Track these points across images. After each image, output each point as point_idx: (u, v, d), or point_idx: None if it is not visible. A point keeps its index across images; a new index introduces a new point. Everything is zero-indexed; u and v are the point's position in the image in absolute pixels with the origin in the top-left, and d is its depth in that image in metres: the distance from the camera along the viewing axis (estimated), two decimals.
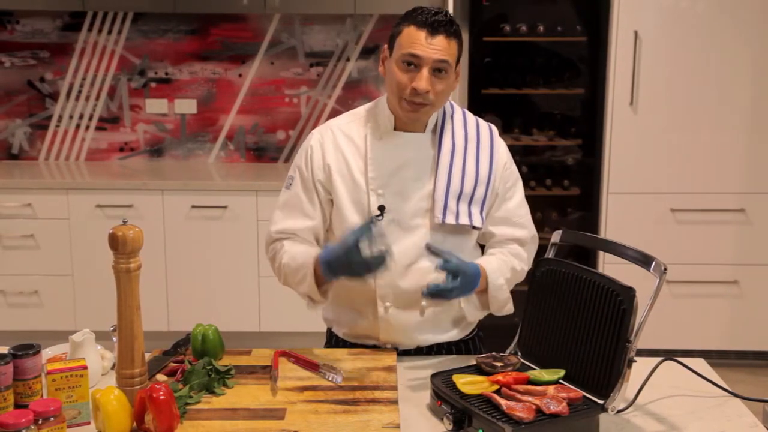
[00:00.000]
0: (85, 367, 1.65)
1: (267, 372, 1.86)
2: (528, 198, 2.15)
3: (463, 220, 1.96)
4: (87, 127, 4.60)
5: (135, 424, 1.58)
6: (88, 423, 1.64)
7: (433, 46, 1.85)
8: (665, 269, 1.65)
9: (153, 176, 4.27)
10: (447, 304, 1.99)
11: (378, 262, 1.76)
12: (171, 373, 1.84)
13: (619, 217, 4.03)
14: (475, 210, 1.98)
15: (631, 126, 3.96)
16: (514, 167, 2.08)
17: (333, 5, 4.20)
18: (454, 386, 1.69)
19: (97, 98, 4.57)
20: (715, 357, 3.93)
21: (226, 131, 4.62)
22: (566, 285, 1.80)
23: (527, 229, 2.08)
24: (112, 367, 1.87)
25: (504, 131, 4.24)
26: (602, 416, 1.63)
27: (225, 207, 4.09)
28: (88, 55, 4.53)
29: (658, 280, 1.65)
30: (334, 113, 4.53)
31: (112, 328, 1.75)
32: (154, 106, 4.58)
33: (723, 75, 3.92)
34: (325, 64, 4.55)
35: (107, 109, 4.59)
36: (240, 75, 4.56)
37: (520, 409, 1.56)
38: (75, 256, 4.13)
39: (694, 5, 3.87)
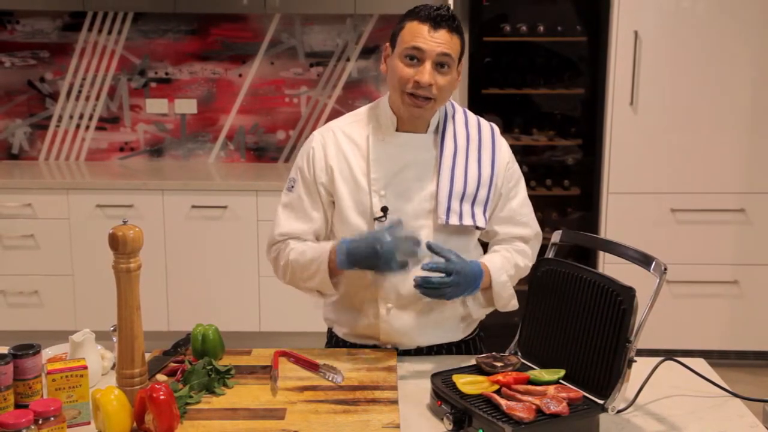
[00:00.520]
0: (86, 367, 1.65)
1: (267, 372, 1.86)
2: (528, 198, 2.15)
3: (467, 220, 1.96)
4: (87, 127, 4.61)
5: (135, 424, 1.58)
6: (89, 423, 1.64)
7: (436, 40, 1.86)
8: (665, 269, 1.65)
9: (153, 176, 4.27)
10: (449, 302, 1.99)
11: (408, 256, 1.81)
12: (171, 373, 1.84)
13: (619, 217, 4.03)
14: (478, 210, 1.98)
15: (631, 126, 3.96)
16: (516, 166, 2.09)
17: (333, 5, 4.20)
18: (454, 386, 1.69)
19: (97, 98, 4.57)
20: (715, 357, 3.93)
21: (226, 131, 4.62)
22: (566, 285, 1.80)
23: (531, 227, 2.09)
24: (113, 367, 1.87)
25: (504, 131, 4.23)
26: (602, 416, 1.63)
27: (225, 207, 4.09)
28: (89, 55, 4.53)
29: (658, 280, 1.65)
30: (334, 113, 4.53)
31: (112, 328, 1.75)
32: (155, 106, 4.58)
33: (723, 75, 3.92)
34: (326, 64, 4.55)
35: (107, 109, 4.59)
36: (240, 75, 4.56)
37: (520, 409, 1.56)
38: (75, 256, 4.13)
39: (694, 5, 3.87)
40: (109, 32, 4.50)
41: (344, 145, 2.00)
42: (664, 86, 3.93)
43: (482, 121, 2.08)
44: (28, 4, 4.25)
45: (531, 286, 1.92)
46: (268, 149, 4.65)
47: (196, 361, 1.84)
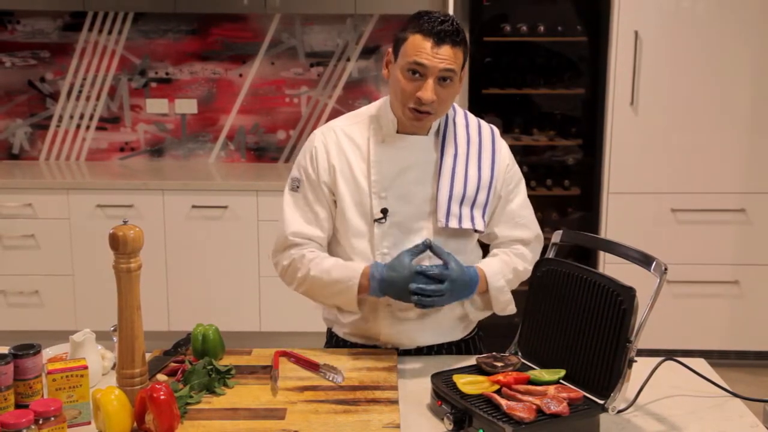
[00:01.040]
0: (86, 367, 1.65)
1: (267, 372, 1.87)
2: (528, 198, 2.15)
3: (466, 224, 1.96)
4: (87, 127, 4.61)
5: (135, 424, 1.58)
6: (89, 423, 1.64)
7: (439, 56, 1.84)
8: (666, 269, 1.65)
9: (153, 176, 4.27)
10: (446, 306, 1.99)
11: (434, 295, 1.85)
12: (171, 373, 1.84)
13: (619, 217, 4.03)
14: (478, 213, 1.99)
15: (632, 126, 3.96)
16: (516, 168, 2.09)
17: (333, 5, 4.20)
18: (454, 386, 1.69)
19: (98, 98, 4.58)
20: (715, 357, 3.93)
21: (227, 131, 4.62)
22: (566, 285, 1.80)
23: (530, 229, 2.09)
24: (113, 367, 1.87)
25: (504, 131, 4.24)
26: (603, 416, 1.63)
27: (225, 207, 4.09)
28: (89, 55, 4.53)
29: (658, 280, 1.65)
30: (335, 113, 4.53)
31: (112, 328, 1.75)
32: (155, 106, 4.58)
33: (723, 75, 3.92)
34: (326, 64, 4.55)
35: (108, 109, 4.59)
36: (240, 75, 4.56)
37: (520, 409, 1.56)
38: (75, 256, 4.13)
39: (694, 5, 3.87)
40: (110, 32, 4.50)
41: (345, 146, 2.00)
42: (665, 86, 3.93)
43: (482, 123, 2.08)
44: (29, 4, 4.25)
45: (531, 286, 1.92)
46: (269, 149, 4.65)
47: (197, 361, 1.84)
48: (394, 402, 1.72)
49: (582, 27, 4.18)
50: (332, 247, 2.06)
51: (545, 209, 4.31)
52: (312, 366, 1.88)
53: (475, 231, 2.00)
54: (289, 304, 3.82)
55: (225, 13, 4.40)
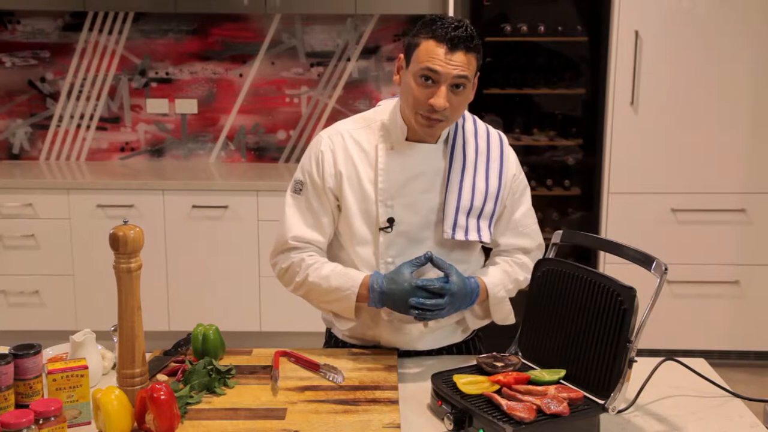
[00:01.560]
0: (86, 367, 1.65)
1: (268, 372, 1.87)
2: (532, 209, 2.13)
3: (473, 236, 1.95)
4: (88, 127, 4.61)
5: (136, 424, 1.58)
6: (89, 423, 1.64)
7: (453, 63, 1.81)
8: (666, 269, 1.65)
9: (154, 176, 4.27)
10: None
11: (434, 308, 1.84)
12: (172, 373, 1.84)
13: (619, 217, 4.03)
14: (484, 224, 1.97)
15: (632, 126, 3.96)
16: (522, 176, 2.07)
17: (334, 5, 4.20)
18: (454, 386, 1.69)
19: (98, 98, 4.58)
20: (716, 357, 3.93)
21: (227, 131, 4.62)
22: (567, 285, 1.80)
23: (533, 239, 2.07)
24: (113, 367, 1.87)
25: (505, 131, 4.19)
26: (603, 416, 1.63)
27: (226, 207, 4.09)
28: (89, 55, 4.53)
29: (658, 280, 1.65)
30: (335, 113, 4.54)
31: (112, 328, 1.75)
32: (155, 106, 4.58)
33: (723, 75, 3.92)
34: (326, 64, 4.55)
35: (108, 109, 4.59)
36: (241, 75, 4.56)
37: (520, 409, 1.56)
38: (76, 256, 4.13)
39: (694, 5, 3.87)
40: (110, 32, 4.50)
41: (353, 151, 1.97)
42: (665, 86, 3.93)
43: (491, 130, 2.05)
44: (29, 4, 4.25)
45: (531, 286, 1.92)
46: (269, 149, 4.65)
47: (197, 361, 1.84)
48: (395, 402, 1.72)
49: (582, 27, 4.18)
50: (335, 252, 2.04)
51: (545, 209, 4.31)
52: (312, 366, 1.88)
53: (481, 242, 1.99)
54: (289, 304, 3.81)
55: (225, 13, 4.40)
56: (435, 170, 1.97)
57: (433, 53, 1.81)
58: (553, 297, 1.83)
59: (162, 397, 1.53)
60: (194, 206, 4.09)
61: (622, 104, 3.95)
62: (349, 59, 4.54)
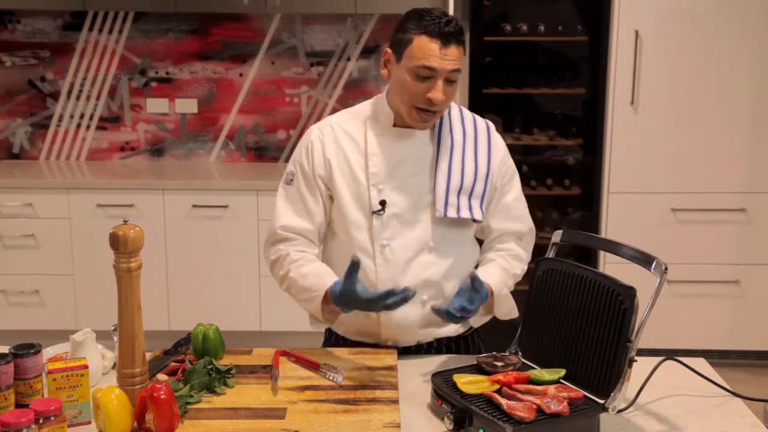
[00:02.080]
0: (86, 367, 1.65)
1: (268, 371, 1.87)
2: (529, 197, 2.18)
3: (464, 213, 1.98)
4: (88, 127, 4.61)
5: (136, 424, 1.58)
6: (89, 422, 1.64)
7: (447, 57, 1.86)
8: (666, 269, 1.65)
9: (154, 176, 4.27)
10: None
11: (390, 299, 1.78)
12: (172, 373, 1.84)
13: (619, 216, 4.03)
14: (476, 203, 2.00)
15: (632, 125, 3.96)
16: (511, 161, 2.11)
17: (334, 5, 4.21)
18: (454, 386, 1.69)
19: (98, 98, 4.58)
20: (716, 357, 3.93)
21: (227, 131, 4.62)
22: (567, 285, 1.80)
23: (524, 223, 2.11)
24: (113, 367, 1.87)
25: (505, 131, 4.24)
26: (603, 416, 1.63)
27: (226, 206, 4.09)
28: (89, 55, 4.53)
29: (659, 280, 1.65)
30: (335, 113, 4.52)
31: (112, 328, 1.75)
32: (155, 105, 4.58)
33: (723, 74, 3.92)
34: (326, 64, 4.55)
35: (108, 108, 4.59)
36: (241, 74, 4.56)
37: (520, 408, 1.56)
38: (76, 256, 4.13)
39: (694, 5, 3.87)
40: (110, 32, 4.50)
41: (342, 141, 2.02)
42: (665, 86, 3.93)
43: (477, 117, 2.10)
44: (29, 3, 4.25)
45: (531, 286, 1.92)
46: (269, 149, 4.65)
47: (197, 361, 1.84)
48: (395, 401, 1.72)
49: (582, 26, 4.18)
50: (330, 240, 2.08)
51: (545, 209, 4.31)
52: (312, 365, 1.88)
53: (474, 221, 2.01)
54: (289, 304, 3.78)
55: (225, 12, 4.40)
56: (423, 155, 2.01)
57: (428, 50, 1.86)
58: (553, 297, 1.83)
59: (162, 396, 1.53)
60: (194, 206, 4.09)
61: (622, 104, 3.95)
62: (349, 59, 4.54)
